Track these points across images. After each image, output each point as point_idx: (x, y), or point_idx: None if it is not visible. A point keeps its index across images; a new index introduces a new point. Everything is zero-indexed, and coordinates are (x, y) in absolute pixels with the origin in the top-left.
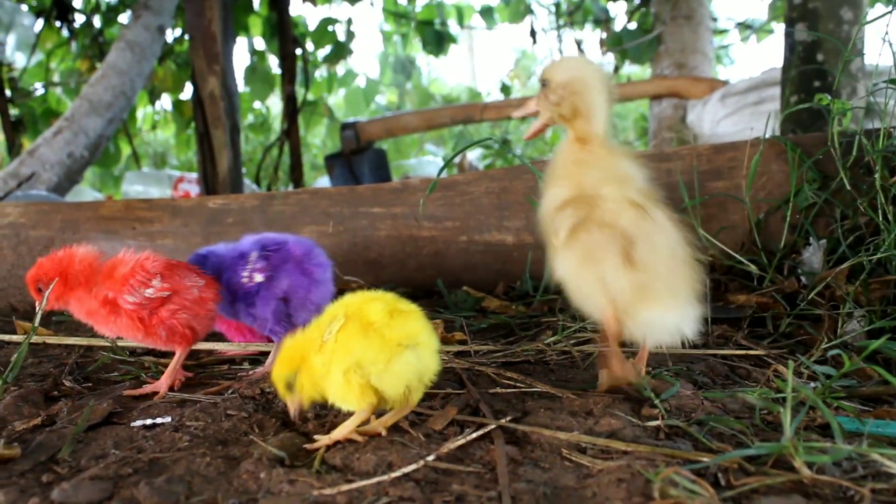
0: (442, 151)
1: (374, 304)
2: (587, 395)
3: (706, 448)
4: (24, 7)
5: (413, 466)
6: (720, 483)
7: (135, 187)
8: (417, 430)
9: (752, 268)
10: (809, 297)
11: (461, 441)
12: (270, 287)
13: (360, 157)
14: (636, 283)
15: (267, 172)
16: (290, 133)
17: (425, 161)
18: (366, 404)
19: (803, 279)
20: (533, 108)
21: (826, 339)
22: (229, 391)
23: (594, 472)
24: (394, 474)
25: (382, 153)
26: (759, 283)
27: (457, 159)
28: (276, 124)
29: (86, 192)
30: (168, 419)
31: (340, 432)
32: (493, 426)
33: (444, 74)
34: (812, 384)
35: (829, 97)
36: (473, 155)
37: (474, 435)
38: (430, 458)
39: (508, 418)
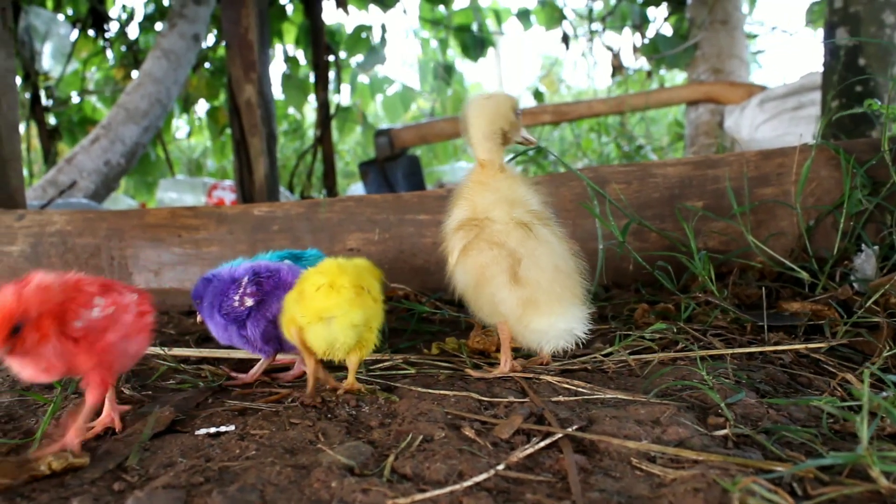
0: None
1: (316, 278)
2: (652, 404)
3: (776, 457)
4: (61, 17)
5: (484, 476)
6: (796, 493)
7: (169, 194)
8: (484, 438)
9: (804, 275)
10: (867, 304)
11: (529, 450)
12: (261, 310)
13: (393, 163)
14: (522, 298)
15: (300, 179)
16: (324, 140)
17: (458, 167)
18: (299, 348)
19: (856, 286)
20: None
21: (887, 347)
22: (289, 399)
23: (667, 482)
24: (465, 483)
25: (416, 160)
26: (810, 290)
27: None
28: (309, 131)
29: (120, 199)
30: (232, 427)
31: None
32: (560, 435)
33: (472, 80)
34: (883, 393)
35: (879, 102)
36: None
37: (542, 444)
38: (500, 467)
39: (575, 427)
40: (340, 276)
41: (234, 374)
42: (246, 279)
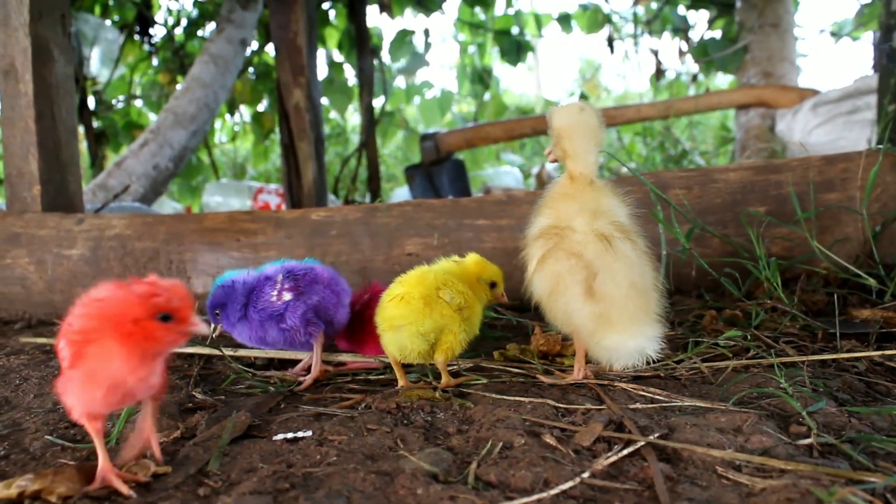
0: (520, 160)
1: (394, 288)
2: (732, 412)
3: (864, 467)
4: (108, 22)
5: (569, 484)
6: None
7: (215, 198)
8: (565, 445)
9: (871, 281)
10: None
11: (613, 458)
12: (300, 300)
13: (439, 168)
14: (596, 313)
15: (344, 183)
16: (368, 144)
17: (502, 171)
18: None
19: None
20: (549, 148)
21: None
22: (362, 405)
23: (756, 491)
24: (552, 492)
25: (461, 164)
26: (878, 297)
27: (535, 170)
28: (352, 135)
29: (165, 202)
30: (309, 433)
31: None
32: (642, 443)
33: (510, 85)
34: None
35: None
36: (552, 165)
37: (624, 452)
38: (585, 475)
39: (657, 435)
40: (416, 286)
41: (301, 378)
42: (281, 276)
